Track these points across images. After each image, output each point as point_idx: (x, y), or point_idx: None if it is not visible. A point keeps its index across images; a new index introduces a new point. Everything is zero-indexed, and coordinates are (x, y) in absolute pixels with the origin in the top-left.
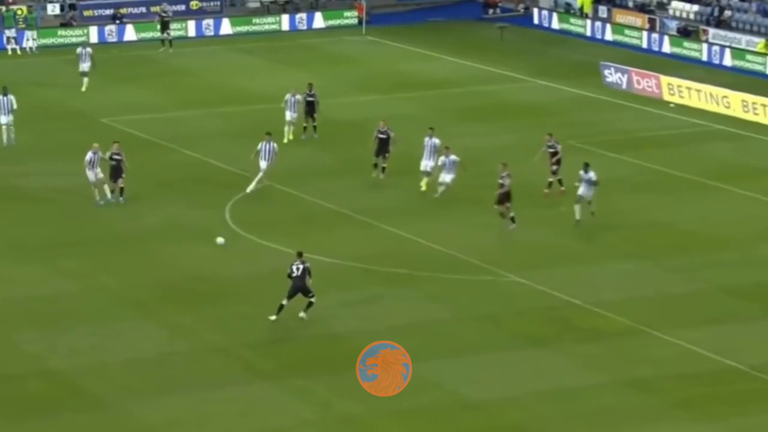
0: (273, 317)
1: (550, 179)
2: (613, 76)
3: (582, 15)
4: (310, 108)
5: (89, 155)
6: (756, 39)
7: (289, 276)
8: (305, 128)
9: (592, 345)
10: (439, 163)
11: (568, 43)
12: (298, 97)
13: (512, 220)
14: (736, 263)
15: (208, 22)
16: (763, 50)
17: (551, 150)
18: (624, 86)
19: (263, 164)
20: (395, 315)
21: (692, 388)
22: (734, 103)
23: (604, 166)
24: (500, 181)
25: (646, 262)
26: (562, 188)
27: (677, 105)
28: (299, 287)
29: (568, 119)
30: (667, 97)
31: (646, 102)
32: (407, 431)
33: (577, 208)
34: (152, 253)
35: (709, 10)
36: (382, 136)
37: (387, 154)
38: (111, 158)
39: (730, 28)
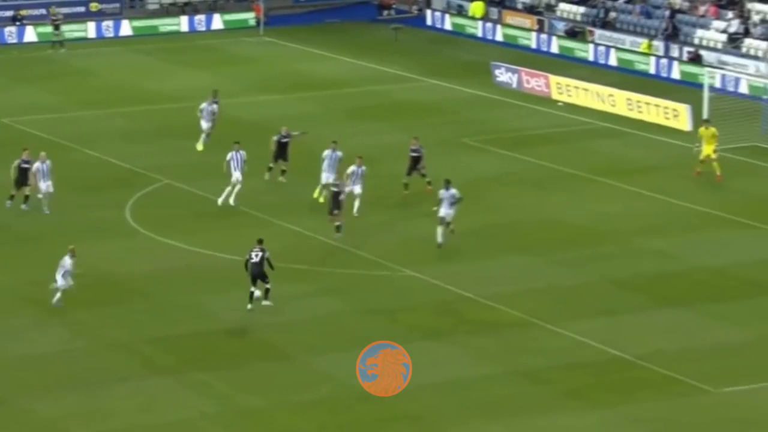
0: (249, 306)
1: (405, 181)
2: (503, 75)
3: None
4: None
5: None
6: (639, 39)
7: (247, 263)
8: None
9: (484, 337)
10: (349, 171)
11: (460, 44)
12: (214, 106)
13: (338, 229)
14: (622, 256)
15: (108, 24)
16: (646, 50)
17: (415, 154)
18: (514, 85)
19: (237, 175)
20: (293, 309)
21: (581, 378)
22: (619, 102)
23: (496, 164)
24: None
25: (536, 256)
26: (429, 187)
27: (565, 103)
28: (257, 273)
29: (460, 118)
30: (555, 95)
31: (536, 101)
32: (305, 423)
33: (439, 230)
34: (52, 252)
35: (595, 11)
36: (283, 140)
37: (286, 159)
38: (20, 165)
39: (615, 29)
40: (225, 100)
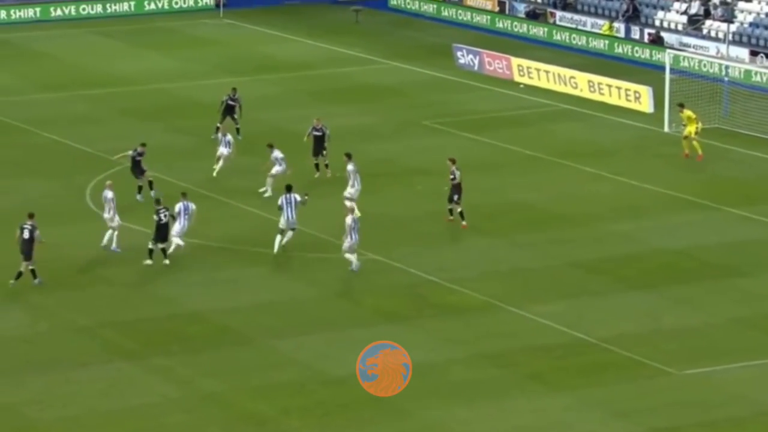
0: (148, 261)
1: (317, 162)
2: (465, 57)
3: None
4: (229, 111)
5: None
6: (600, 21)
7: (159, 223)
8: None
9: (448, 321)
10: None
11: (422, 26)
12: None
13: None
14: (585, 239)
15: (67, 5)
16: (607, 32)
17: (318, 134)
18: (476, 68)
19: (225, 149)
20: (256, 293)
21: (545, 361)
22: (581, 84)
23: (458, 146)
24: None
25: (499, 239)
26: (327, 170)
27: (527, 86)
28: (163, 234)
29: (422, 100)
30: (517, 78)
31: (498, 83)
32: (268, 407)
33: (277, 240)
34: (11, 236)
35: None
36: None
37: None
38: None
39: (576, 10)
40: (186, 82)
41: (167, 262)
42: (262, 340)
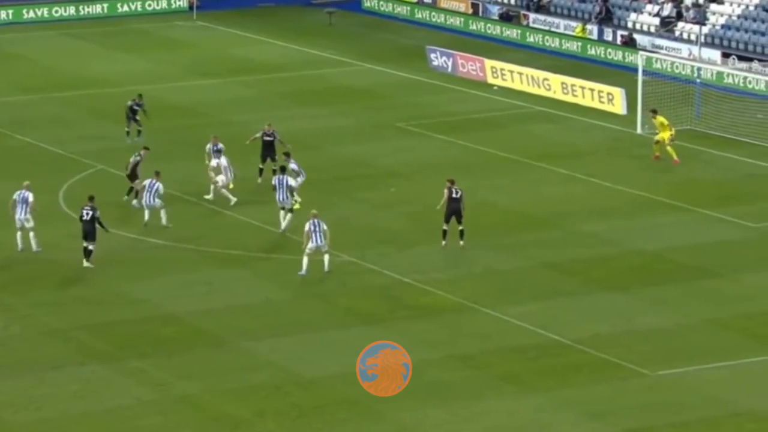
0: (86, 263)
1: (263, 167)
2: (438, 59)
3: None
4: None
5: None
6: (573, 23)
7: (80, 219)
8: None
9: (422, 322)
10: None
11: (396, 28)
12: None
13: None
14: (559, 240)
15: (39, 7)
16: (580, 34)
17: (268, 138)
18: (449, 70)
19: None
20: (230, 295)
21: (518, 362)
22: (554, 85)
23: (431, 148)
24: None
25: (473, 240)
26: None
27: (501, 88)
28: (87, 231)
29: (396, 102)
30: (490, 80)
31: (471, 85)
32: (243, 409)
33: (282, 217)
34: None
35: None
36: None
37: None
38: None
39: (549, 12)
40: (159, 84)
41: (87, 264)
42: (236, 342)
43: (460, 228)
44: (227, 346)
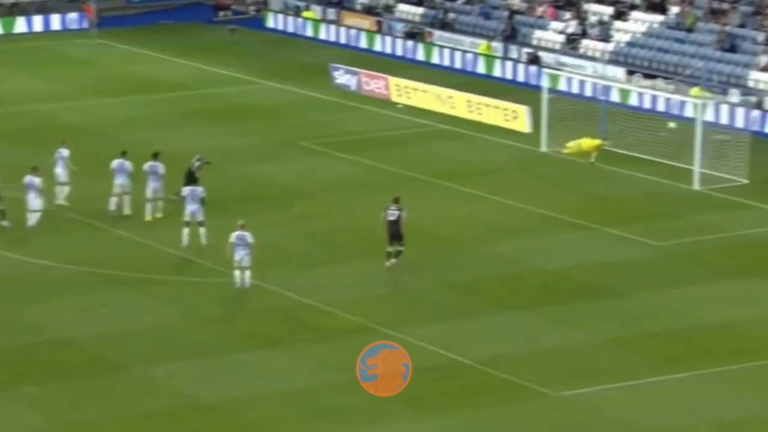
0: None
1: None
2: (342, 77)
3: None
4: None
5: None
6: (478, 41)
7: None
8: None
9: (324, 344)
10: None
11: (299, 45)
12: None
13: None
14: (462, 260)
15: None
16: (485, 51)
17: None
18: (353, 87)
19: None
20: (128, 318)
21: (422, 384)
22: (459, 104)
23: (334, 167)
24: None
25: (375, 261)
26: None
27: (405, 105)
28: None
29: (299, 120)
30: (395, 98)
31: (375, 103)
32: None
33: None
34: None
35: (434, 12)
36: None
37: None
38: None
39: (454, 30)
40: (56, 103)
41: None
42: (134, 366)
43: (399, 248)
44: (125, 371)
